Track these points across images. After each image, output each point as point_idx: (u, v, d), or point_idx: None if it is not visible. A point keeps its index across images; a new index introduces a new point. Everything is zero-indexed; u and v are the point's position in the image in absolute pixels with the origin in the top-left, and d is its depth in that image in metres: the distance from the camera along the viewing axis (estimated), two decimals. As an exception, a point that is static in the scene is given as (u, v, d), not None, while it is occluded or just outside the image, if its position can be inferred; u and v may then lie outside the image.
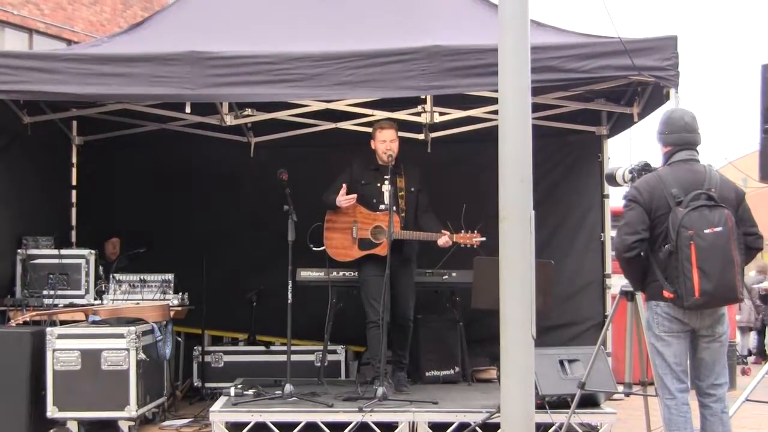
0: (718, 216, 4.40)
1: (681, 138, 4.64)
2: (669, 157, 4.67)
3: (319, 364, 7.19)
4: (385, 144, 6.45)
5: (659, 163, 4.80)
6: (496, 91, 4.41)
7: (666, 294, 4.47)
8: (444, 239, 6.34)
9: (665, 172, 4.62)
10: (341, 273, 6.82)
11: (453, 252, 6.56)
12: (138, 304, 6.52)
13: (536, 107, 5.91)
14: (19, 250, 6.70)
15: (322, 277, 6.82)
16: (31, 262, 6.67)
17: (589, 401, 5.65)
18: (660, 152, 4.77)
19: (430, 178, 6.83)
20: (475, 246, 6.30)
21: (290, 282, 6.20)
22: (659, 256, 4.49)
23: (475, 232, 6.31)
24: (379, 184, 6.46)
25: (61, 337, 5.84)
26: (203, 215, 7.97)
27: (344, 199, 6.41)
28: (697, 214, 4.40)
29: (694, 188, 4.49)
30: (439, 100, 7.04)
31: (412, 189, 6.55)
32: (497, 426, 4.51)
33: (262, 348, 7.59)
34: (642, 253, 4.55)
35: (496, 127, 4.38)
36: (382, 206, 6.42)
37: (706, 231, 4.37)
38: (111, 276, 6.81)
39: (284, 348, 6.64)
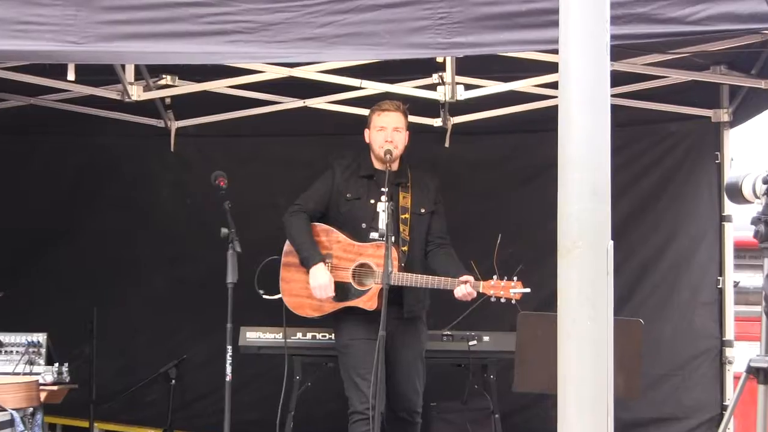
0: None
1: None
2: None
3: (273, 477, 7.15)
4: (384, 134, 6.43)
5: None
6: (555, 52, 4.39)
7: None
8: (464, 289, 6.29)
9: None
10: (309, 335, 6.83)
11: (481, 306, 6.52)
12: (-10, 380, 6.47)
13: (618, 78, 5.87)
14: None
15: (279, 341, 6.79)
16: None
17: None
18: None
19: (448, 189, 6.82)
20: (513, 300, 6.28)
21: (229, 348, 6.15)
22: None
23: (515, 279, 6.27)
24: (372, 201, 6.45)
25: None
26: (94, 241, 8.00)
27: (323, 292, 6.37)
28: None
29: None
30: (466, 67, 7.02)
31: (423, 210, 6.53)
32: None
33: (185, 451, 7.58)
34: None
35: (554, 109, 4.35)
36: (374, 234, 6.40)
37: None
38: (-51, 336, 6.77)
39: (219, 451, 6.59)
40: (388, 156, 6.34)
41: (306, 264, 6.39)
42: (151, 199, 8.04)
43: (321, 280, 6.33)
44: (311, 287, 6.36)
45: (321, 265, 6.36)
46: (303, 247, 6.42)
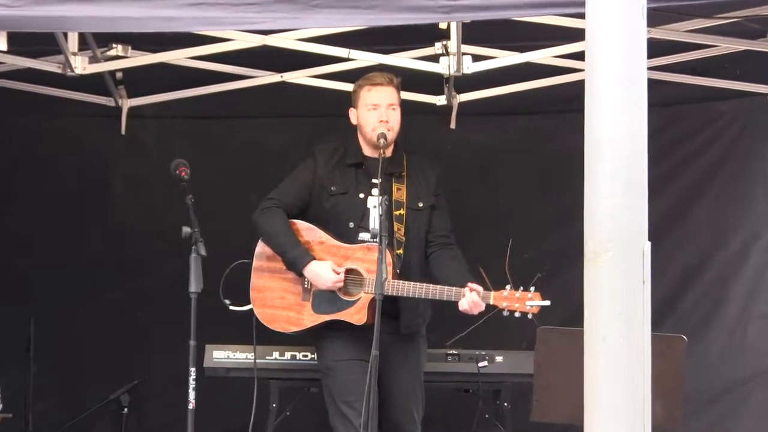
0: None
1: None
2: None
3: None
4: (378, 113, 6.42)
5: None
6: (581, 17, 4.36)
7: None
8: (470, 300, 6.27)
9: None
10: (287, 354, 6.86)
11: (494, 319, 6.49)
12: None
13: (656, 48, 5.85)
14: None
15: (250, 362, 6.77)
16: None
17: None
18: None
19: (454, 179, 6.82)
20: (530, 315, 6.25)
21: (192, 370, 6.12)
22: None
23: (532, 290, 6.24)
24: (361, 194, 6.48)
25: None
26: (30, 243, 8.01)
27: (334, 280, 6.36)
28: None
29: None
30: (474, 34, 7.00)
31: (421, 204, 6.54)
32: None
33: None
34: None
35: (580, 84, 4.32)
36: (364, 234, 6.42)
37: None
38: None
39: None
40: (382, 141, 6.31)
41: (295, 266, 6.37)
42: (98, 193, 8.05)
43: (326, 277, 6.31)
44: (322, 290, 6.36)
45: (314, 261, 6.33)
46: (287, 247, 6.39)
